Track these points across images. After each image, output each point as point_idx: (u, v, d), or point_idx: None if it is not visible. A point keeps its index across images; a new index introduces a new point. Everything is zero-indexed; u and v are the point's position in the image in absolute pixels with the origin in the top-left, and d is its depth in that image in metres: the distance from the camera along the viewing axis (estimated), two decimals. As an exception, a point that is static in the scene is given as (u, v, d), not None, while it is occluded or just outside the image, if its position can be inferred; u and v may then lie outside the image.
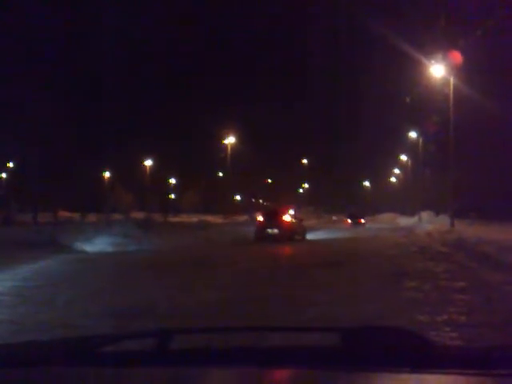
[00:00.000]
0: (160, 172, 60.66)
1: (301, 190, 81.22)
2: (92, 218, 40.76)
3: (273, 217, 20.93)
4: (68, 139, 41.37)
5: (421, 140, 45.77)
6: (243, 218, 46.10)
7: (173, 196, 71.53)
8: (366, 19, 35.28)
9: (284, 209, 22.27)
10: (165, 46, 66.35)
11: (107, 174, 58.67)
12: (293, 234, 20.72)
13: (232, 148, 50.62)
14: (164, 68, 69.83)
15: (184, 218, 47.42)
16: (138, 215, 42.48)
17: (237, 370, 1.28)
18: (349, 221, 46.11)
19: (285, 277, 9.37)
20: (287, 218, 21.11)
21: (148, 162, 60.11)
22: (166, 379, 1.27)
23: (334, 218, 57.34)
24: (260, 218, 21.77)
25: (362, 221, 45.69)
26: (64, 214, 44.83)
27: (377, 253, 14.09)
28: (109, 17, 47.53)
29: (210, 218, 41.92)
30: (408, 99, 41.59)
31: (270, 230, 20.32)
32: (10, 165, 50.59)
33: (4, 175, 51.67)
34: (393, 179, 74.26)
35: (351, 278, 8.88)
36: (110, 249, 16.30)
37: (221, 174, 61.20)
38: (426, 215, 42.11)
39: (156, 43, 64.98)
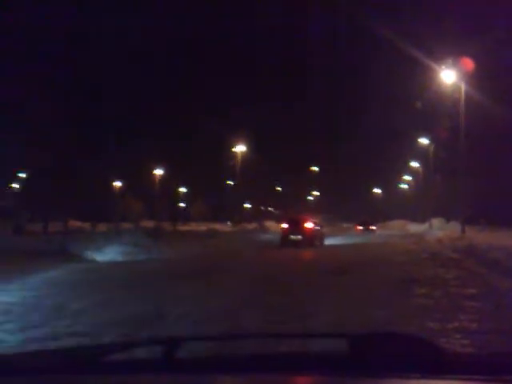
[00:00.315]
0: (169, 181, 60.87)
1: (310, 198, 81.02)
2: (102, 227, 40.92)
3: (296, 224, 22.55)
4: (77, 147, 41.73)
5: (432, 146, 45.55)
6: (252, 225, 46.05)
7: (182, 204, 71.71)
8: (369, 20, 35.16)
9: (306, 217, 23.85)
10: (165, 46, 66.14)
11: (117, 184, 59.02)
12: (313, 240, 22.15)
13: (242, 155, 50.73)
14: (166, 71, 69.91)
15: (193, 227, 47.48)
16: (148, 224, 42.58)
17: (246, 377, 1.27)
18: (360, 227, 46.71)
19: (298, 283, 9.37)
20: (309, 225, 22.74)
21: (158, 171, 60.37)
22: None
23: (345, 225, 57.34)
24: (284, 226, 23.26)
25: (373, 227, 46.52)
26: (74, 223, 45.06)
27: (387, 259, 14.04)
28: (112, 17, 47.73)
29: (219, 226, 41.92)
30: (419, 104, 41.39)
31: (293, 237, 21.98)
32: (21, 175, 51.00)
33: (14, 185, 52.10)
34: (404, 186, 73.97)
35: (361, 285, 8.85)
36: (120, 258, 16.36)
37: (230, 182, 61.30)
38: (436, 222, 41.84)
39: (156, 43, 64.99)
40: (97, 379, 1.30)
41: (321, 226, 24.54)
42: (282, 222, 24.69)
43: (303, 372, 1.26)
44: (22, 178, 51.25)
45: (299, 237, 21.78)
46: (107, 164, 47.91)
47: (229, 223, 49.09)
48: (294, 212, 30.92)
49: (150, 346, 1.56)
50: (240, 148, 50.58)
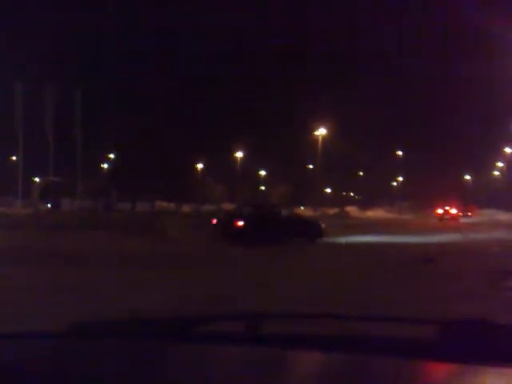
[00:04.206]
0: (251, 164, 61.40)
1: (394, 183, 78.63)
2: (186, 208, 42.14)
3: (447, 210, 43.91)
4: (164, 132, 43.11)
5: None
6: (333, 210, 45.62)
7: (263, 188, 72.18)
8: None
9: (453, 206, 44.91)
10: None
11: (199, 165, 60.44)
12: (457, 219, 42.38)
13: (323, 139, 50.21)
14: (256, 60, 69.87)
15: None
16: (229, 206, 43.30)
17: (327, 356, 1.23)
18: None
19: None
20: (454, 210, 44.73)
21: (239, 154, 61.07)
22: (258, 360, 1.24)
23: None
24: (440, 211, 44.39)
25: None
26: (160, 203, 46.73)
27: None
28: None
29: (300, 211, 41.84)
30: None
31: (446, 216, 42.55)
32: (111, 156, 53.48)
33: (106, 165, 54.72)
34: (496, 173, 70.16)
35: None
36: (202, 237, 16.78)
37: (311, 167, 60.89)
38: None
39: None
40: (183, 348, 1.31)
41: (461, 211, 46.36)
42: (437, 209, 45.48)
43: (381, 354, 1.20)
44: (111, 158, 53.78)
45: (449, 217, 42.05)
46: (199, 155, 49.32)
47: (312, 208, 48.59)
48: (444, 203, 46.29)
49: (235, 320, 1.55)
50: (321, 131, 50.10)
